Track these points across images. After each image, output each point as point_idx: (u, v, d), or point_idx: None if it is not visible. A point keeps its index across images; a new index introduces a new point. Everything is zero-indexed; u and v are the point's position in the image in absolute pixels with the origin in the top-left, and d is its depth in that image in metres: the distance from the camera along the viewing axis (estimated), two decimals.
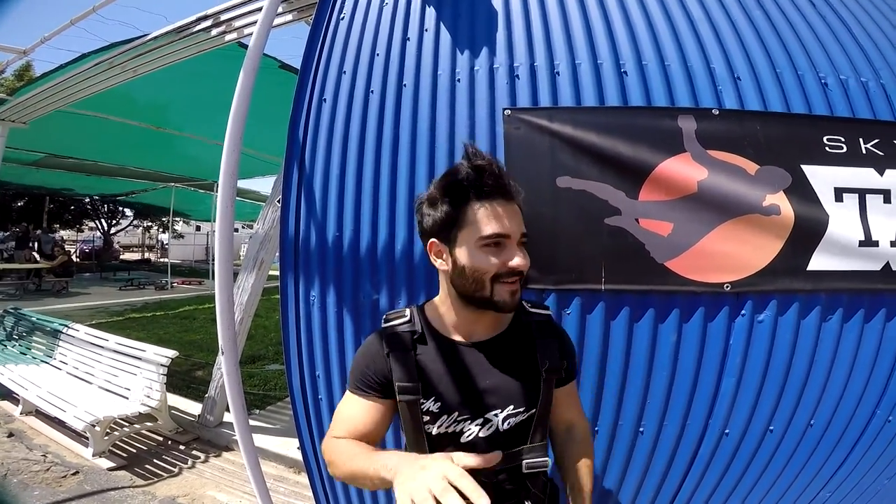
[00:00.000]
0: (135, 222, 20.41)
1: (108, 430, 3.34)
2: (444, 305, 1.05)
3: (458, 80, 1.66)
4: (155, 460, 3.32)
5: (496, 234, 0.92)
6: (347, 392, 1.06)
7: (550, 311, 1.11)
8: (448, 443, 0.98)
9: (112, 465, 3.15)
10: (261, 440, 3.45)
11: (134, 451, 3.45)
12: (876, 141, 1.53)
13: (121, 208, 17.34)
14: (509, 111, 1.56)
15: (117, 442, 3.44)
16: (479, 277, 0.93)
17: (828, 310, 1.48)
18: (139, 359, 3.68)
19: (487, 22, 1.72)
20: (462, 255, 0.94)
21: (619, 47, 1.62)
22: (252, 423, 3.82)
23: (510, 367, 1.00)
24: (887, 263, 1.46)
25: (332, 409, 1.77)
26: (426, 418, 0.98)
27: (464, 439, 0.98)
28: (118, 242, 21.60)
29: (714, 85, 1.58)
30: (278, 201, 1.76)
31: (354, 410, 1.01)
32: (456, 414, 0.98)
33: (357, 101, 1.73)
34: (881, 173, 1.50)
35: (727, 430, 1.54)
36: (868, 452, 1.62)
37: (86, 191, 12.89)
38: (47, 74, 4.48)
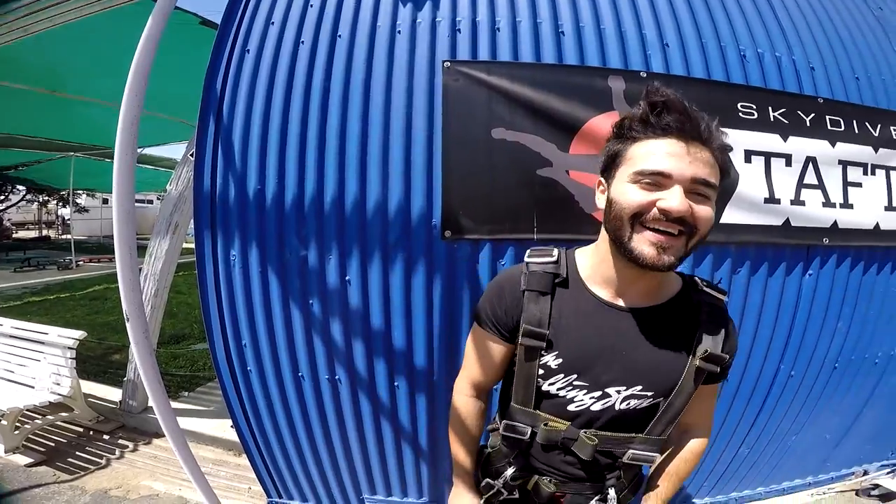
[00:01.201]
0: (28, 197, 18.10)
1: (17, 424, 3.01)
2: (598, 254, 0.89)
3: (399, 32, 1.59)
4: (78, 452, 3.02)
5: (652, 171, 0.75)
6: (473, 327, 0.98)
7: (726, 297, 0.90)
8: (555, 405, 0.89)
9: (30, 460, 2.86)
10: (194, 424, 3.23)
11: (53, 444, 3.13)
12: (783, 110, 1.68)
13: (10, 183, 15.24)
14: (449, 63, 1.52)
15: (31, 436, 3.12)
16: (619, 213, 0.78)
17: (737, 262, 1.61)
18: (41, 342, 3.29)
19: None
20: (614, 189, 0.80)
21: (559, 8, 1.64)
22: (182, 406, 3.59)
23: (657, 343, 0.85)
24: (787, 219, 1.63)
25: (263, 381, 1.69)
26: (541, 371, 0.88)
27: (572, 407, 0.87)
28: (10, 220, 19.15)
29: (644, 50, 1.64)
30: (191, 155, 1.59)
31: (479, 348, 0.96)
32: (574, 377, 0.86)
33: (285, 52, 1.61)
34: (785, 139, 1.66)
35: None
36: (777, 406, 1.80)
37: None
38: None
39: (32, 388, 3.22)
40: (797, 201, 1.63)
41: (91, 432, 3.30)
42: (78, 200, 16.69)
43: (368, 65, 1.56)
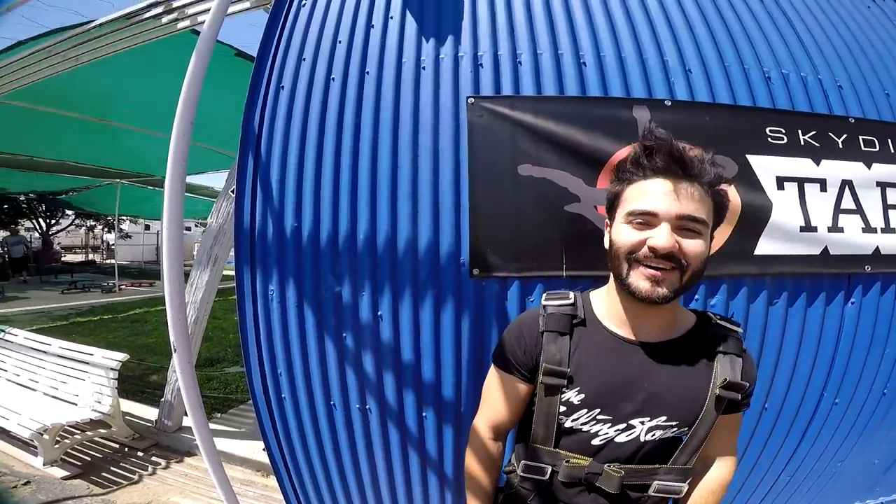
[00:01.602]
0: (77, 221, 19.18)
1: (58, 438, 3.17)
2: (609, 294, 0.95)
3: (423, 69, 1.64)
4: (112, 468, 3.16)
5: (640, 211, 0.83)
6: (491, 370, 1.02)
7: (741, 329, 0.95)
8: (577, 441, 0.91)
9: (66, 473, 2.99)
10: (225, 444, 3.34)
11: (89, 459, 3.28)
12: (813, 132, 1.63)
13: (61, 207, 16.19)
14: (472, 99, 1.56)
15: (70, 450, 3.27)
16: (616, 252, 0.86)
17: (773, 294, 1.56)
18: (86, 363, 3.49)
19: (454, 9, 1.72)
20: (613, 229, 0.89)
21: (579, 38, 1.65)
22: (215, 427, 3.71)
23: (676, 375, 0.88)
24: (825, 248, 1.57)
25: (296, 408, 1.73)
26: (563, 409, 0.91)
27: (596, 441, 0.90)
28: (59, 243, 20.23)
29: (667, 77, 1.64)
30: (232, 191, 1.68)
31: (498, 391, 1.00)
32: (597, 412, 0.89)
33: (317, 89, 1.69)
34: (817, 163, 1.61)
35: None
36: (820, 434, 1.72)
37: (20, 188, 11.94)
38: None
39: (75, 405, 3.41)
40: (835, 228, 1.57)
41: (126, 449, 3.46)
42: (122, 226, 17.54)
43: (396, 102, 1.61)
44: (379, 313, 1.56)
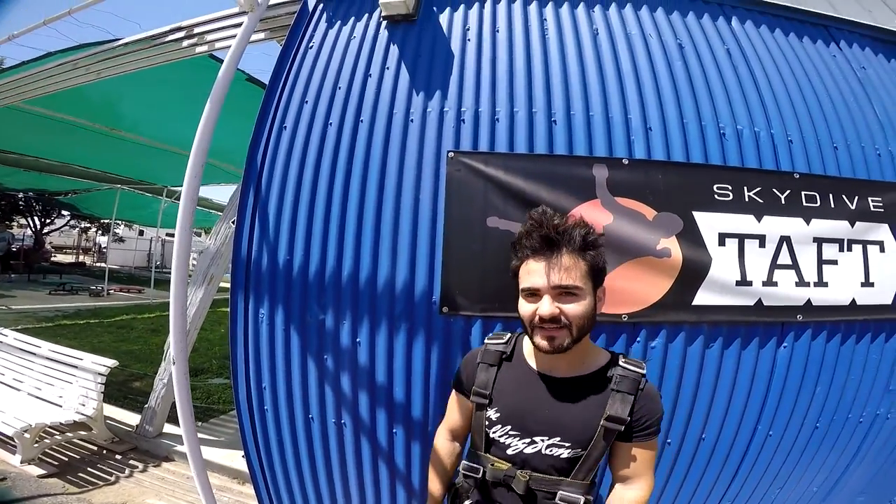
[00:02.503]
0: (72, 222, 19.13)
1: (38, 438, 3.21)
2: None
3: (412, 121, 1.82)
4: (89, 468, 3.21)
5: (526, 288, 1.05)
6: (452, 390, 1.29)
7: (643, 371, 1.11)
8: (499, 449, 1.13)
9: (42, 472, 3.04)
10: (204, 452, 3.34)
11: (66, 459, 3.31)
12: (758, 189, 1.76)
13: (57, 207, 16.20)
14: (453, 154, 1.74)
15: (48, 450, 3.31)
16: (523, 323, 1.07)
17: (710, 339, 1.73)
18: (75, 367, 3.56)
19: (444, 65, 1.88)
20: (519, 301, 1.09)
21: (553, 97, 1.81)
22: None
23: (575, 405, 1.07)
24: (759, 300, 1.72)
25: (277, 421, 1.87)
26: (487, 423, 1.14)
27: (510, 451, 1.11)
28: (50, 243, 20.13)
29: (628, 135, 1.78)
30: (233, 222, 1.85)
31: (453, 406, 1.28)
32: (509, 427, 1.11)
33: (315, 132, 1.86)
34: (759, 219, 1.75)
35: None
36: (756, 463, 1.85)
37: (20, 186, 11.99)
38: (5, 71, 4.30)
39: (59, 406, 3.46)
40: (770, 282, 1.72)
41: (104, 451, 3.50)
42: (117, 230, 17.51)
43: (385, 150, 1.78)
44: (357, 340, 1.72)
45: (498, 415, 1.13)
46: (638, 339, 1.70)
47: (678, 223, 1.71)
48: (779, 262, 1.76)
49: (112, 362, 3.50)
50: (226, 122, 3.93)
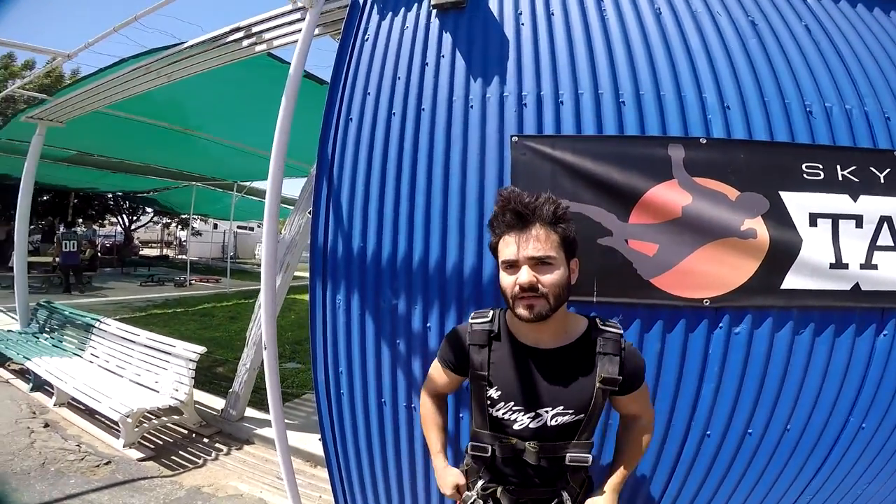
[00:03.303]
0: (155, 219, 20.90)
1: (138, 423, 3.48)
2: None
3: (472, 107, 1.83)
4: (181, 452, 3.46)
5: (505, 261, 1.12)
6: (436, 359, 1.36)
7: (620, 330, 1.20)
8: (503, 425, 1.18)
9: (141, 455, 3.29)
10: None
11: (161, 442, 3.59)
12: (853, 168, 1.64)
13: (142, 205, 17.77)
14: (517, 138, 1.72)
15: (145, 434, 3.59)
16: (505, 295, 1.12)
17: (800, 324, 1.62)
18: (169, 353, 3.83)
19: (499, 50, 1.87)
20: (500, 275, 1.15)
21: (619, 78, 1.76)
22: (270, 417, 3.99)
23: (568, 374, 1.15)
24: (856, 284, 1.59)
25: (352, 404, 1.96)
26: (489, 402, 1.19)
27: (516, 426, 1.17)
28: (138, 238, 22.08)
29: (704, 114, 1.70)
30: (309, 212, 1.95)
31: (437, 375, 1.35)
32: (512, 404, 1.17)
33: (380, 122, 1.91)
34: (855, 199, 1.63)
35: (708, 432, 1.69)
36: (845, 457, 1.73)
37: (110, 188, 13.26)
38: (87, 77, 4.70)
39: (157, 392, 3.72)
40: (868, 265, 1.59)
41: (193, 435, 3.75)
42: (194, 225, 18.90)
43: (447, 138, 1.81)
44: (428, 325, 1.78)
45: (499, 393, 1.18)
46: (721, 324, 1.62)
47: (764, 203, 1.61)
48: (879, 242, 1.62)
49: (201, 349, 3.74)
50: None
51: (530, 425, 1.16)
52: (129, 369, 4.07)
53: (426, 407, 1.38)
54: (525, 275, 1.07)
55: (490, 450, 1.20)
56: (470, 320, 1.27)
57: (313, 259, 1.91)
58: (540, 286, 1.07)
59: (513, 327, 1.21)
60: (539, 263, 1.08)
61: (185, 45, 3.70)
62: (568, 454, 1.17)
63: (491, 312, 1.26)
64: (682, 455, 1.71)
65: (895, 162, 1.67)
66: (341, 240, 1.87)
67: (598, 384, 1.14)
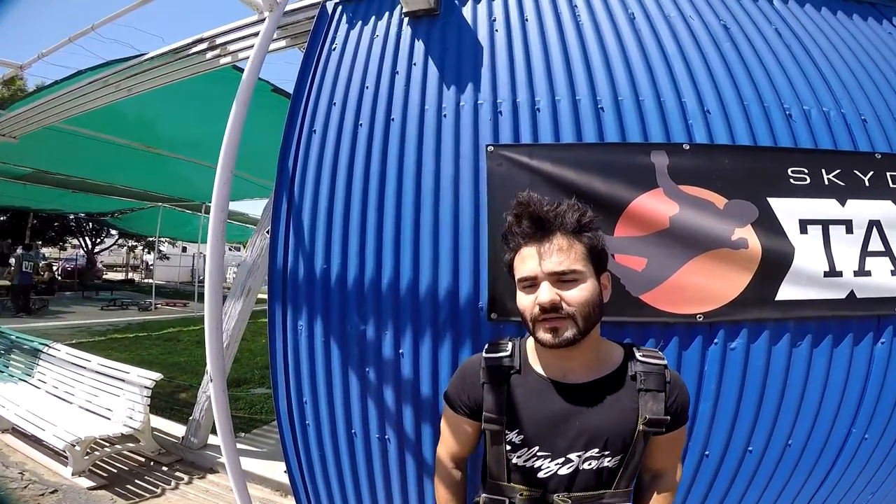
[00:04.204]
0: (119, 241, 20.14)
1: (88, 450, 3.28)
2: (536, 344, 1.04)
3: (444, 116, 1.72)
4: (137, 480, 3.24)
5: (522, 278, 0.95)
6: (445, 408, 1.13)
7: (665, 361, 1.01)
8: (526, 474, 1.00)
9: (92, 484, 3.08)
10: (246, 463, 3.36)
11: (115, 470, 3.36)
12: (837, 171, 1.61)
13: (106, 227, 17.08)
14: (492, 147, 1.62)
15: (97, 462, 3.37)
16: (524, 318, 0.96)
17: (797, 336, 1.54)
18: (122, 380, 3.64)
19: (473, 57, 1.79)
20: (517, 295, 0.98)
21: (597, 83, 1.70)
22: (239, 446, 3.77)
23: (604, 412, 0.97)
24: (851, 291, 1.53)
25: (319, 436, 1.80)
26: (508, 448, 1.00)
27: (541, 475, 0.98)
28: (102, 262, 21.24)
29: (685, 119, 1.65)
30: (267, 231, 1.79)
31: (452, 427, 1.12)
32: (536, 449, 0.98)
33: (346, 134, 1.79)
34: (843, 203, 1.58)
35: (707, 452, 1.59)
36: (849, 468, 1.67)
37: (72, 208, 12.69)
38: (42, 90, 4.47)
39: (108, 419, 3.52)
40: (862, 272, 1.54)
41: (151, 463, 3.53)
42: (161, 248, 18.29)
43: (419, 149, 1.69)
44: (400, 351, 1.62)
45: (521, 437, 0.99)
46: (716, 340, 1.52)
47: (753, 211, 1.54)
48: (870, 248, 1.57)
49: (157, 376, 3.56)
50: (257, 135, 3.95)
51: (559, 472, 0.98)
52: (78, 396, 3.84)
53: (443, 480, 1.13)
54: (546, 293, 0.90)
55: (508, 502, 1.01)
56: (484, 354, 1.08)
57: (272, 282, 1.74)
58: (564, 305, 0.90)
59: (535, 358, 1.03)
60: (562, 279, 0.91)
61: (146, 56, 3.55)
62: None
63: (510, 344, 1.07)
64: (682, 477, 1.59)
65: (878, 163, 1.64)
66: (303, 261, 1.71)
67: (640, 426, 0.96)
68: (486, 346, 1.09)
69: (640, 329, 1.52)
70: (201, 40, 3.29)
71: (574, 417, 0.97)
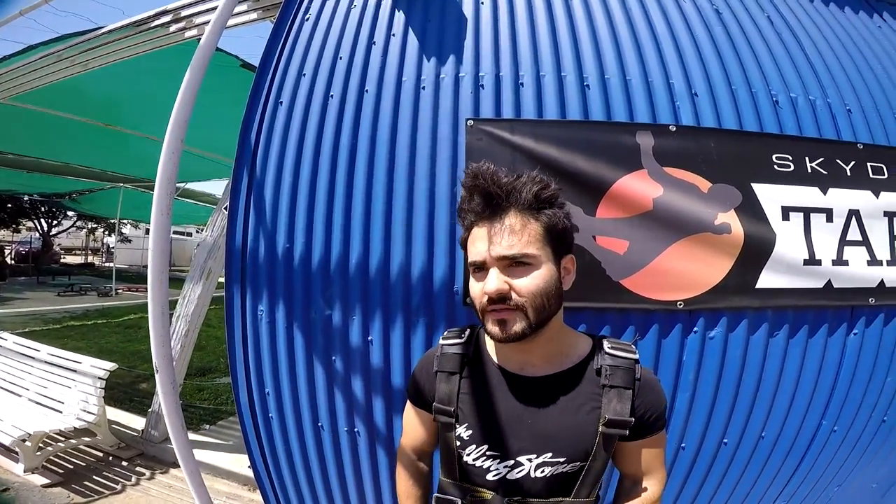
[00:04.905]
0: (78, 223, 19.17)
1: (40, 446, 3.14)
2: None
3: (423, 88, 1.62)
4: (95, 477, 3.10)
5: (471, 262, 0.86)
6: (407, 401, 1.07)
7: (636, 356, 0.91)
8: (477, 475, 0.91)
9: (47, 481, 2.94)
10: (213, 457, 3.29)
11: (71, 467, 3.22)
12: (821, 160, 1.59)
13: (63, 209, 16.22)
14: (472, 122, 1.53)
15: (52, 458, 3.23)
16: (475, 308, 0.87)
17: (775, 326, 1.52)
18: (74, 371, 3.46)
19: (457, 29, 1.70)
20: (470, 282, 0.89)
21: (584, 60, 1.63)
22: (203, 438, 3.66)
23: (561, 411, 0.87)
24: (829, 281, 1.52)
25: (284, 429, 1.69)
26: (458, 443, 0.92)
27: (490, 477, 0.89)
28: (59, 244, 20.23)
29: (672, 100, 1.60)
30: (225, 208, 1.65)
31: (411, 421, 1.06)
32: (485, 447, 0.89)
33: (315, 106, 1.66)
34: (824, 192, 1.57)
35: (683, 444, 1.56)
36: (817, 461, 1.68)
37: (25, 189, 11.96)
38: None
39: (60, 412, 3.38)
40: (840, 261, 1.53)
41: (111, 458, 3.41)
42: (123, 230, 17.53)
43: (394, 122, 1.59)
44: (370, 338, 1.52)
45: (469, 433, 0.91)
46: (695, 328, 1.48)
47: (736, 196, 1.50)
48: (849, 237, 1.57)
49: (111, 365, 3.40)
50: (224, 113, 3.74)
51: (508, 476, 0.89)
52: (29, 388, 3.65)
53: (401, 472, 1.06)
54: (493, 281, 0.80)
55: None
56: (440, 341, 1.00)
57: (230, 263, 1.60)
58: (513, 294, 0.80)
59: (492, 349, 0.95)
60: (513, 264, 0.81)
61: (105, 29, 3.32)
62: None
63: (468, 331, 0.99)
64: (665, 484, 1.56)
65: (859, 154, 1.64)
66: (264, 240, 1.58)
67: (601, 427, 0.85)
68: (444, 333, 1.02)
69: (621, 316, 1.47)
70: (165, 12, 3.10)
71: (526, 415, 0.88)
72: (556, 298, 0.84)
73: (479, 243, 0.84)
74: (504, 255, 0.81)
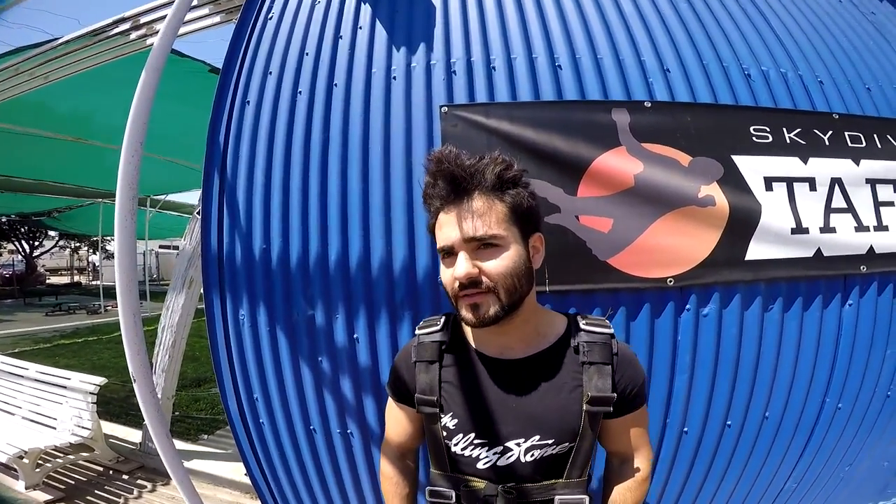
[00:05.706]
0: (61, 243, 18.84)
1: (39, 462, 3.14)
2: None
3: (394, 78, 1.58)
4: (97, 491, 3.10)
5: (440, 248, 0.85)
6: (389, 395, 1.05)
7: (611, 330, 0.91)
8: (467, 464, 0.90)
9: (49, 497, 2.95)
10: (213, 466, 3.26)
11: (72, 482, 3.22)
12: (798, 130, 1.59)
13: (44, 229, 15.90)
14: (446, 108, 1.50)
15: (53, 474, 3.23)
16: (447, 293, 0.86)
17: (768, 300, 1.50)
18: (64, 387, 3.45)
19: (425, 17, 1.67)
20: (440, 268, 0.88)
21: (554, 41, 1.60)
22: (202, 448, 3.63)
23: (544, 391, 0.87)
24: (819, 249, 1.51)
25: (276, 434, 1.65)
26: (444, 433, 0.91)
27: (480, 465, 0.89)
28: (43, 265, 19.89)
29: (645, 77, 1.59)
30: (198, 213, 1.61)
31: (394, 417, 1.04)
32: (472, 436, 0.89)
33: (283, 104, 1.62)
34: (805, 161, 1.56)
35: (686, 429, 1.53)
36: (825, 440, 1.66)
37: (0, 209, 11.72)
38: None
39: (54, 429, 3.38)
40: (827, 228, 1.51)
41: (111, 472, 3.39)
42: (107, 247, 17.26)
43: (365, 114, 1.55)
44: (355, 336, 1.49)
45: (455, 422, 0.90)
46: (688, 306, 1.46)
47: (718, 168, 1.48)
48: (833, 205, 1.56)
49: (101, 380, 3.36)
50: (197, 120, 3.66)
51: (498, 463, 0.88)
52: (22, 406, 3.66)
53: (386, 471, 1.04)
54: (462, 265, 0.80)
55: (454, 496, 0.90)
56: (417, 331, 0.99)
57: (207, 268, 1.56)
58: (484, 278, 0.80)
59: (470, 335, 0.94)
60: (482, 247, 0.81)
61: (62, 40, 3.23)
62: (557, 497, 0.87)
63: (443, 319, 0.98)
64: (661, 455, 1.54)
65: (836, 124, 1.64)
66: (239, 242, 1.53)
67: (585, 406, 0.85)
68: (420, 323, 1.01)
69: (611, 296, 1.44)
70: (123, 20, 3.03)
71: (511, 400, 0.88)
72: (526, 278, 0.84)
73: (447, 228, 0.83)
74: (472, 236, 0.80)
